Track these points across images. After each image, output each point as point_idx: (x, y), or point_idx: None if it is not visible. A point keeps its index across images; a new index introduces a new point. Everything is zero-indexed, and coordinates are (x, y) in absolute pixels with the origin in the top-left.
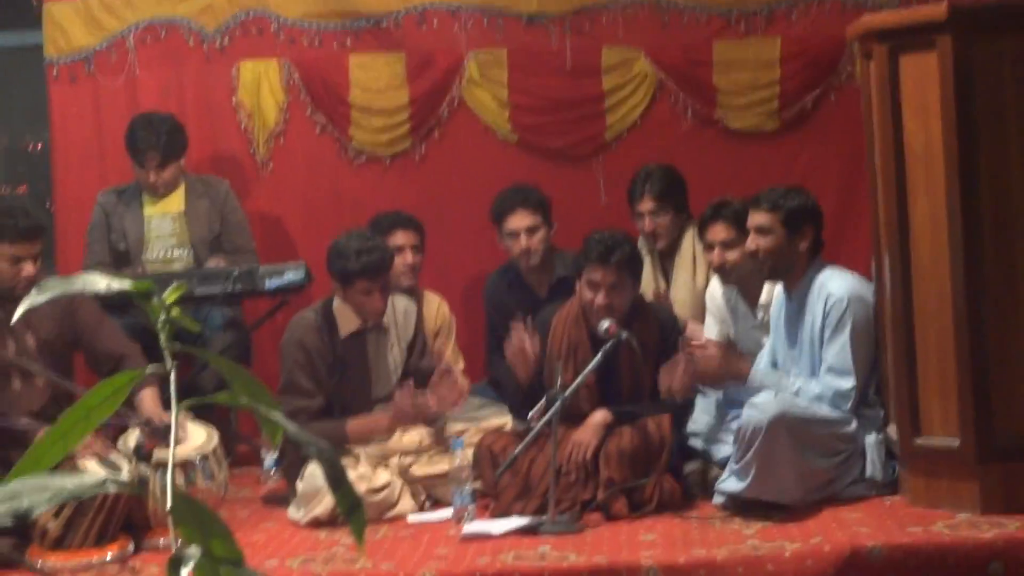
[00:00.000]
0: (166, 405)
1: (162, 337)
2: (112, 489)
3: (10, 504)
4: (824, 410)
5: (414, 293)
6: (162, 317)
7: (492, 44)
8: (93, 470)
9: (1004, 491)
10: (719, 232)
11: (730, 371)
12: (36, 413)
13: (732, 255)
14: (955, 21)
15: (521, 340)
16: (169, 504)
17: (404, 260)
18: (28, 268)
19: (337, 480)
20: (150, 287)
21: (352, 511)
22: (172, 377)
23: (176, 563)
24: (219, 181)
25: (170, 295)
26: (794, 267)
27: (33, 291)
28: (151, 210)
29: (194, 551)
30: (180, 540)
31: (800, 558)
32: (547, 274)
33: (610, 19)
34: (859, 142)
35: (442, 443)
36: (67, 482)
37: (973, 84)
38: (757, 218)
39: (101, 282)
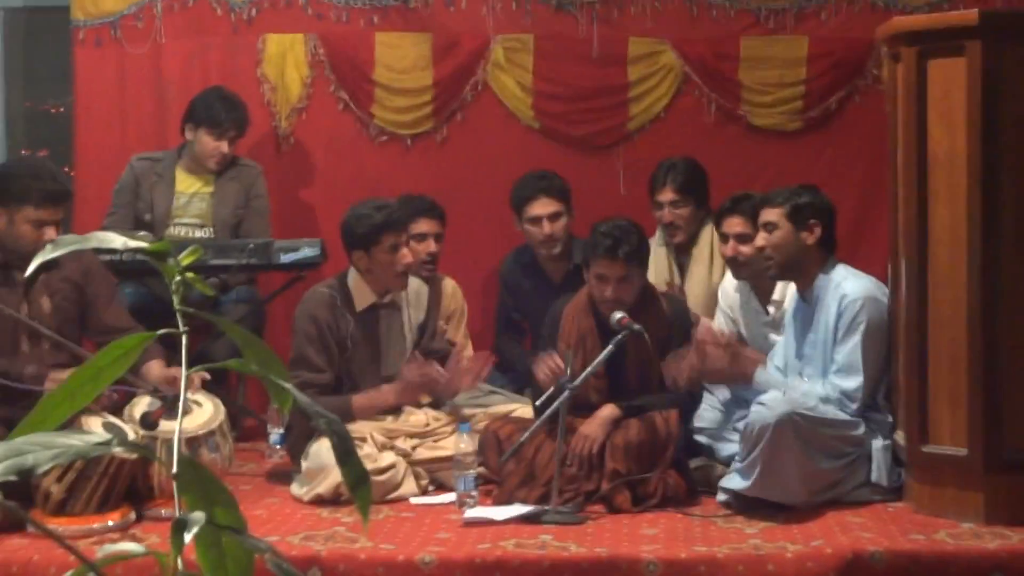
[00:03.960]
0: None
1: (175, 299)
2: (118, 448)
3: (14, 461)
4: (832, 412)
5: (430, 277)
6: (176, 279)
7: (519, 29)
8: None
9: (1009, 502)
10: (735, 225)
11: (737, 371)
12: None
13: (746, 249)
14: (986, 27)
15: (551, 364)
16: (174, 470)
17: (427, 248)
18: (50, 233)
19: (345, 453)
20: (166, 247)
21: (358, 485)
22: (183, 339)
23: (180, 527)
24: (253, 165)
25: (185, 257)
26: (802, 265)
27: (48, 246)
28: (183, 186)
29: (198, 517)
30: (183, 509)
31: (801, 560)
32: (564, 262)
33: (638, 9)
34: (882, 145)
35: (451, 422)
36: (73, 440)
37: (1000, 91)
38: (765, 215)
39: (117, 240)
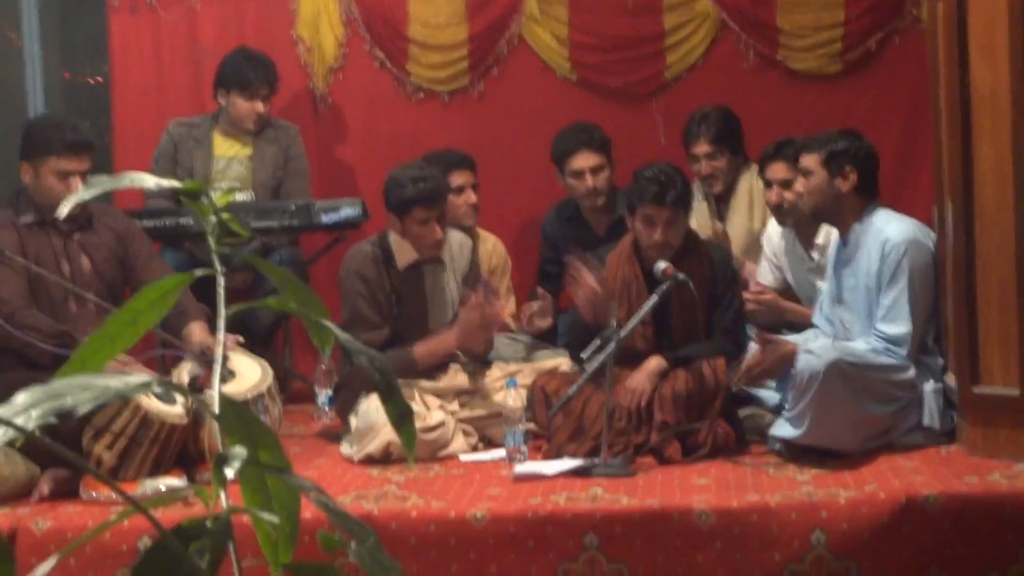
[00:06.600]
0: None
1: (210, 240)
2: (157, 390)
3: (53, 403)
4: (881, 357)
5: (469, 231)
6: (212, 219)
7: None
8: (147, 403)
9: None
10: (778, 171)
11: (781, 360)
12: None
13: (790, 195)
14: None
15: (587, 279)
16: (216, 410)
17: (467, 200)
18: (77, 183)
19: (388, 389)
20: (198, 187)
21: (402, 420)
22: (220, 280)
23: (221, 462)
24: (290, 126)
25: (221, 198)
26: (839, 210)
27: (81, 187)
28: (221, 150)
29: (239, 451)
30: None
31: (854, 505)
32: (607, 214)
33: None
34: (922, 87)
35: (499, 378)
36: (111, 381)
37: None
38: (803, 161)
39: (150, 179)
